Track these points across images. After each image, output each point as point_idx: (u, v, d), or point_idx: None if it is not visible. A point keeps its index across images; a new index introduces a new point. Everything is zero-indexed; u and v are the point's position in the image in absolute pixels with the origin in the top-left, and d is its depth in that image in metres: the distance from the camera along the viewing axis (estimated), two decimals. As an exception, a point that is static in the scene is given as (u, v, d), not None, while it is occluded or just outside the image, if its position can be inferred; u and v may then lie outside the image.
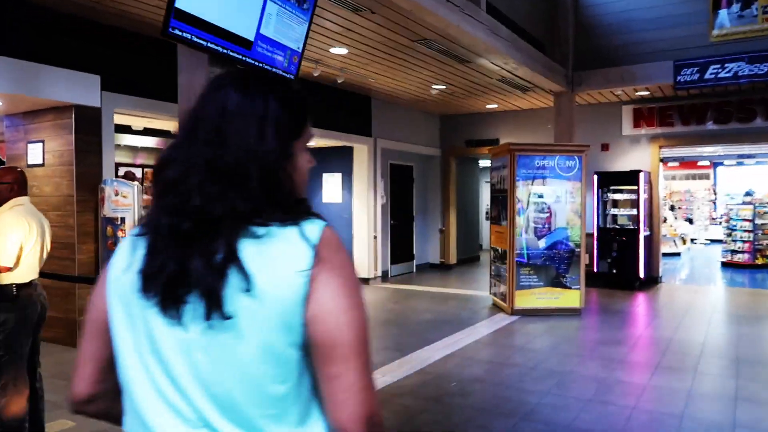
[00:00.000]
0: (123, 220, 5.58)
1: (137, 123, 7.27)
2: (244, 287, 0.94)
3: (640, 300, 8.94)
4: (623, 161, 10.48)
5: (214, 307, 0.94)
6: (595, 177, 10.13)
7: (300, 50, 4.05)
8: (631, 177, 9.83)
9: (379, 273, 10.52)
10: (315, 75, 8.00)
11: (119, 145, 9.30)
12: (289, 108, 1.10)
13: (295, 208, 1.05)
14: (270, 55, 3.74)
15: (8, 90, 5.17)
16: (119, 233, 5.60)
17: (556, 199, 7.56)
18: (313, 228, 1.01)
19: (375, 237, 10.42)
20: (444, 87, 9.44)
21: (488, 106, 11.32)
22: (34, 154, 6.12)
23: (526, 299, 7.53)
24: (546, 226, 7.56)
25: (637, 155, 10.40)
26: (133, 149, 9.70)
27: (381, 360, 5.44)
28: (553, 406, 4.30)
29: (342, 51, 7.22)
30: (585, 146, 7.70)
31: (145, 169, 9.69)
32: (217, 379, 0.96)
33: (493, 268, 8.33)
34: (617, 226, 9.98)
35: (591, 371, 5.16)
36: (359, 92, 9.97)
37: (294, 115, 1.11)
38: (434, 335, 6.42)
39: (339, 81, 8.36)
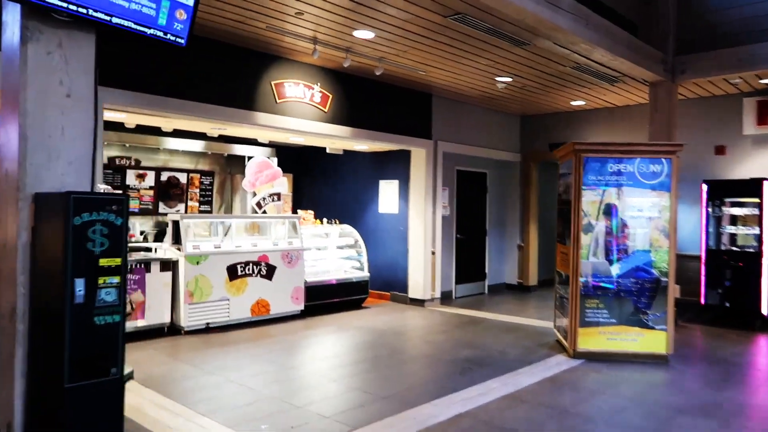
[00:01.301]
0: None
1: (131, 120, 6.70)
2: None
3: (761, 345, 6.92)
4: (743, 167, 8.39)
5: None
6: (704, 187, 8.16)
7: (192, 2, 3.02)
8: (754, 187, 7.77)
9: (438, 294, 9.26)
10: (346, 65, 7.00)
11: (177, 150, 8.93)
12: None
13: None
14: (126, 5, 2.77)
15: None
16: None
17: (635, 214, 5.93)
18: None
19: (433, 253, 9.19)
20: (510, 79, 8.04)
21: (573, 104, 9.68)
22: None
23: (592, 339, 5.96)
24: (621, 247, 5.94)
25: (763, 160, 8.27)
26: (190, 154, 9.31)
27: (365, 415, 4.28)
28: None
29: (368, 34, 6.17)
30: (676, 146, 5.98)
31: (191, 174, 9.26)
32: None
33: (557, 296, 6.81)
34: (734, 248, 7.94)
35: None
36: (417, 89, 8.84)
37: None
38: (458, 382, 5.12)
39: (377, 72, 7.30)
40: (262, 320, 7.50)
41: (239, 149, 9.57)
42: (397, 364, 5.77)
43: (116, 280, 2.82)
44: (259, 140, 8.88)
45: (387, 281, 9.55)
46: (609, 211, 5.99)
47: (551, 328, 7.16)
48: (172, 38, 2.93)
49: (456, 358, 5.99)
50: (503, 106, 10.05)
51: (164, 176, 8.95)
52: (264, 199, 8.94)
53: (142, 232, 8.65)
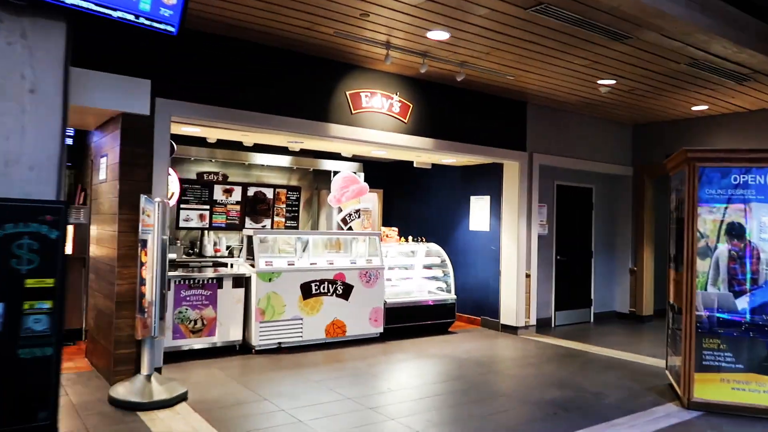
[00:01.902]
0: (144, 242, 4.80)
1: (211, 134, 6.63)
2: None
3: None
4: None
5: None
6: None
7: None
8: None
9: (533, 321, 8.39)
10: (422, 71, 6.52)
11: (263, 165, 8.94)
12: None
13: None
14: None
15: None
16: (143, 256, 4.84)
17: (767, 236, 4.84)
18: None
19: (528, 275, 8.35)
20: (613, 82, 7.11)
21: (694, 109, 8.45)
22: (101, 169, 5.79)
23: (712, 388, 4.90)
24: (750, 276, 4.86)
25: None
26: (277, 170, 9.30)
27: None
28: None
29: (442, 35, 5.65)
30: (824, 152, 4.82)
31: (277, 190, 9.20)
32: None
33: (669, 330, 5.77)
34: None
35: None
36: (508, 96, 8.14)
37: None
38: (538, 431, 4.36)
39: (458, 78, 6.72)
40: (337, 342, 7.13)
41: (326, 164, 9.39)
42: (472, 402, 5.09)
43: (47, 305, 2.42)
44: (343, 154, 8.61)
45: (478, 304, 8.83)
46: (733, 231, 4.94)
47: (663, 368, 6.10)
48: (160, 26, 2.61)
49: (542, 399, 5.19)
50: (610, 113, 9.02)
51: (251, 191, 8.96)
52: (350, 215, 8.63)
53: (228, 247, 8.68)
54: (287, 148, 8.37)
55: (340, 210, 8.87)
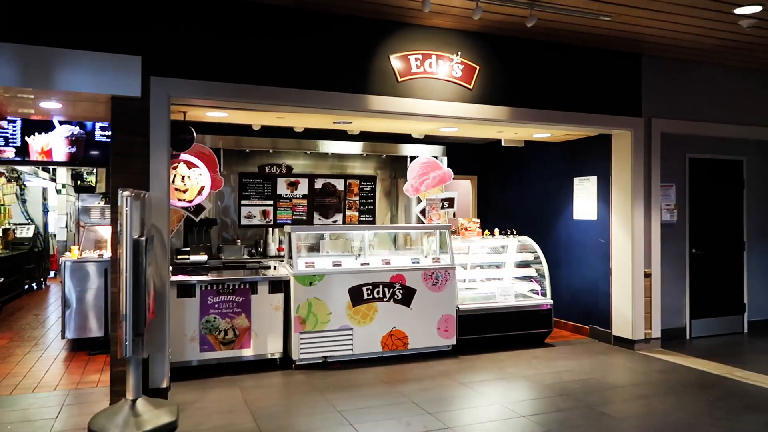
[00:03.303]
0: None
1: (238, 118, 5.79)
2: None
3: None
4: None
5: None
6: None
7: None
8: None
9: (656, 333, 6.55)
10: (476, 18, 5.14)
11: (330, 154, 8.11)
12: None
13: None
14: None
15: (20, 83, 4.26)
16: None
17: None
18: None
19: (648, 274, 6.54)
20: (759, 8, 5.14)
21: None
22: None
23: None
24: None
25: None
26: (348, 157, 8.40)
27: None
28: None
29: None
30: None
31: (349, 180, 8.26)
32: None
33: None
34: None
35: None
36: (613, 48, 6.40)
37: None
38: None
39: (529, 24, 5.20)
40: (397, 356, 6.00)
41: (404, 149, 8.25)
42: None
43: None
44: (414, 136, 7.42)
45: (586, 311, 7.17)
46: None
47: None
48: None
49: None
50: (763, 59, 6.82)
51: (318, 183, 8.11)
52: (432, 206, 7.45)
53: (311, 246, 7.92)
54: (360, 134, 7.38)
55: (419, 200, 7.72)
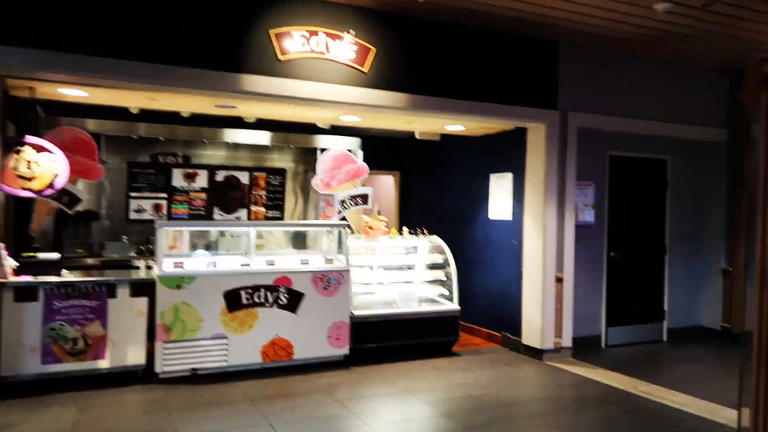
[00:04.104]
0: None
1: (100, 97, 5.11)
2: None
3: None
4: None
5: None
6: None
7: None
8: None
9: (567, 342, 6.12)
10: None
11: (234, 144, 7.43)
12: None
13: None
14: None
15: None
16: None
17: None
18: None
19: (559, 279, 6.10)
20: (669, -9, 4.72)
21: (816, 34, 5.71)
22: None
23: None
24: None
25: None
26: (255, 149, 7.73)
27: None
28: None
29: None
30: None
31: (255, 173, 7.60)
32: None
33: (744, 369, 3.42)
34: None
35: None
36: (528, 33, 5.93)
37: None
38: None
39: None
40: (282, 367, 5.39)
41: (318, 141, 7.64)
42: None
43: None
44: (319, 125, 6.83)
45: (498, 317, 6.70)
46: None
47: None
48: None
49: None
50: (689, 52, 6.45)
51: (220, 176, 7.43)
52: (343, 202, 6.85)
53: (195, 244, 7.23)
54: (271, 123, 6.75)
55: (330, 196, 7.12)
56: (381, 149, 8.20)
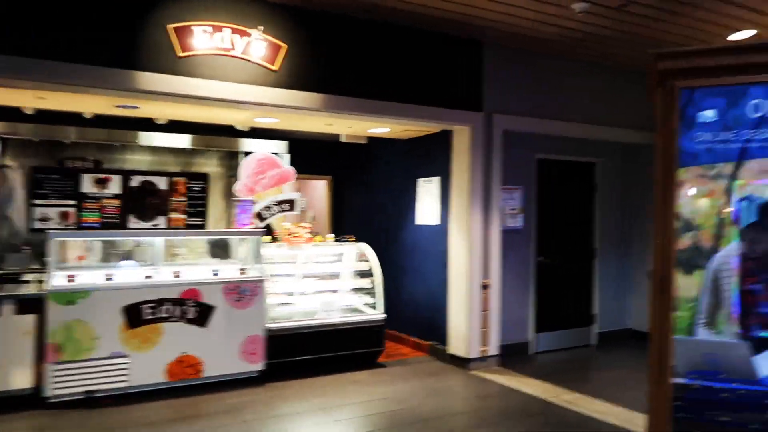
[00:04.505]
0: None
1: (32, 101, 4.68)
2: None
3: None
4: None
5: None
6: None
7: None
8: None
9: (494, 350, 5.97)
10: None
11: (150, 148, 7.00)
12: None
13: None
14: None
15: None
16: None
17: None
18: None
19: (485, 286, 5.94)
20: (584, -9, 4.62)
21: (734, 37, 5.74)
22: None
23: None
24: (782, 308, 2.38)
25: None
26: (175, 152, 7.30)
27: None
28: None
29: None
30: None
31: (174, 178, 7.19)
32: None
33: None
34: None
35: None
36: (453, 33, 5.76)
37: None
38: None
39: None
40: (190, 386, 5.03)
41: (243, 144, 7.27)
42: None
43: None
44: (237, 127, 6.50)
45: (426, 325, 6.51)
46: (754, 218, 2.48)
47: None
48: None
49: None
50: (612, 54, 6.41)
51: (135, 181, 6.99)
52: (268, 208, 6.51)
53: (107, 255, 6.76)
54: (191, 125, 6.36)
55: (254, 202, 6.78)
56: (311, 153, 7.92)
